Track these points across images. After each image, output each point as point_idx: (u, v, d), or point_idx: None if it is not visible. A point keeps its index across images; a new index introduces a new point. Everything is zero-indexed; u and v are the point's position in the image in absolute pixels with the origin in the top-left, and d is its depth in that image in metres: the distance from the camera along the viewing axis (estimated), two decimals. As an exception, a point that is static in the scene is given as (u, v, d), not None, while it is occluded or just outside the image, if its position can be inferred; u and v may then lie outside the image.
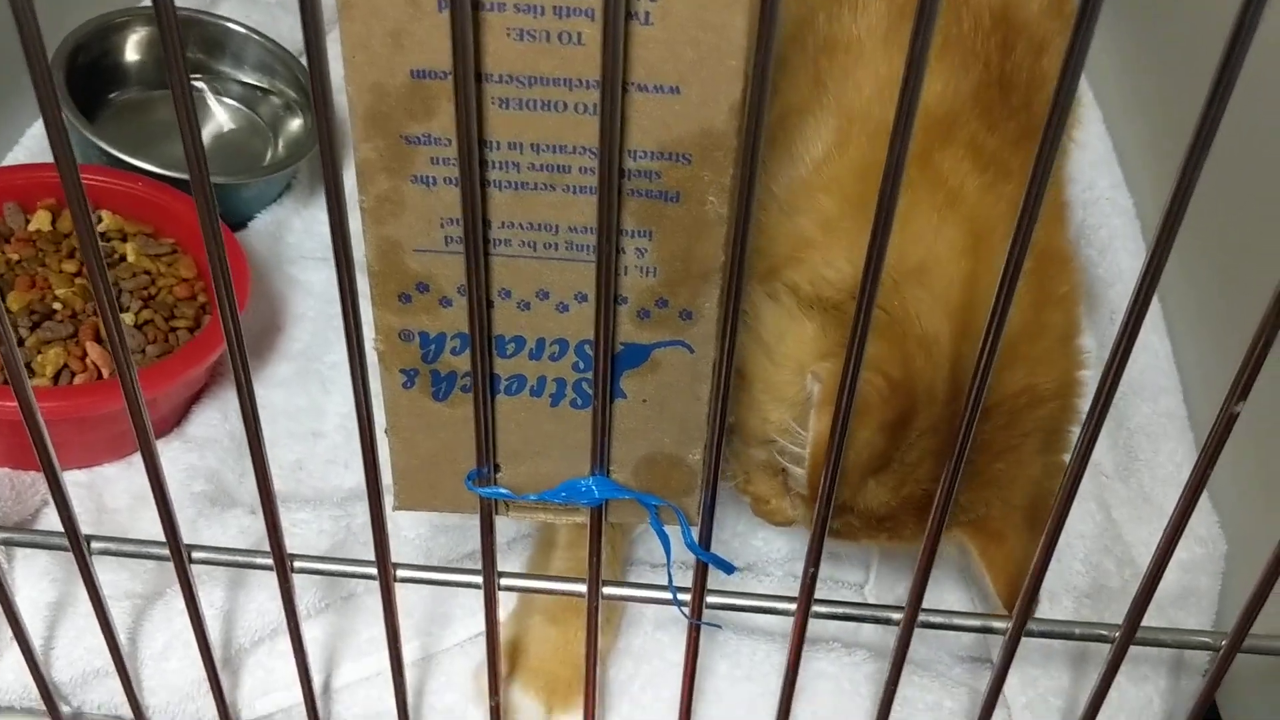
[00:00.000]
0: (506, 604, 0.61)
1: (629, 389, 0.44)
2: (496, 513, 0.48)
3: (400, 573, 0.50)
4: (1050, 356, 0.53)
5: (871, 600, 0.63)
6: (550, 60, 0.37)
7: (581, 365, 0.44)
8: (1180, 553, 0.65)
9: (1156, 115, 0.82)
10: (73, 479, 0.65)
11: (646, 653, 0.60)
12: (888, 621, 0.49)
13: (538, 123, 0.38)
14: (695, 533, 0.47)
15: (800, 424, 0.51)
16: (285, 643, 0.55)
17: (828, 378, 0.49)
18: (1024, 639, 0.48)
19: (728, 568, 0.48)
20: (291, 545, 0.50)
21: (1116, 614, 0.64)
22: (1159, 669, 0.62)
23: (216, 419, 0.69)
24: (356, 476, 0.67)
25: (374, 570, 0.49)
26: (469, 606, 0.61)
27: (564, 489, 0.46)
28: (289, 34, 0.88)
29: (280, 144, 0.84)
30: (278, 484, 0.67)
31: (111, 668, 0.56)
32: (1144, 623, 0.48)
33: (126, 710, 0.57)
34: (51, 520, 0.63)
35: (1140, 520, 0.69)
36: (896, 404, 0.49)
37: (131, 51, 0.83)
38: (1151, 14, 0.83)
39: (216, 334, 0.66)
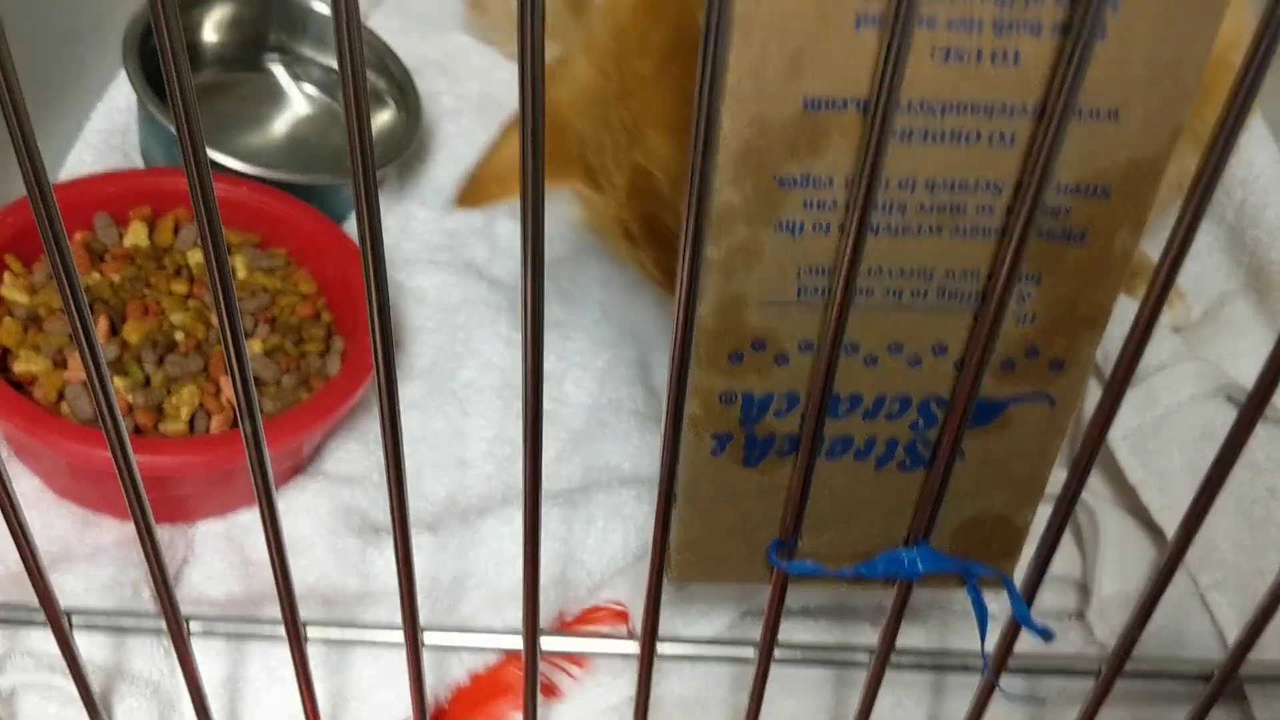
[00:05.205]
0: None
1: (970, 448, 0.39)
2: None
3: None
4: None
5: (1097, 630, 0.59)
6: (973, 83, 0.30)
7: (921, 424, 0.38)
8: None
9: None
10: (208, 529, 0.58)
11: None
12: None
13: (940, 156, 0.32)
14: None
15: None
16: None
17: None
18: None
19: (1048, 635, 0.43)
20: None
21: None
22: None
23: (357, 451, 0.62)
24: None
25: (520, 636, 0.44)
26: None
27: (882, 562, 0.40)
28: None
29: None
30: (430, 521, 0.61)
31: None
32: None
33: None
34: (194, 580, 0.56)
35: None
36: None
37: (210, 31, 0.74)
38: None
39: (363, 363, 0.59)
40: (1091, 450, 0.35)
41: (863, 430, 0.38)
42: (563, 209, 0.58)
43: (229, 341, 0.34)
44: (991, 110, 0.31)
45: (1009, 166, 0.32)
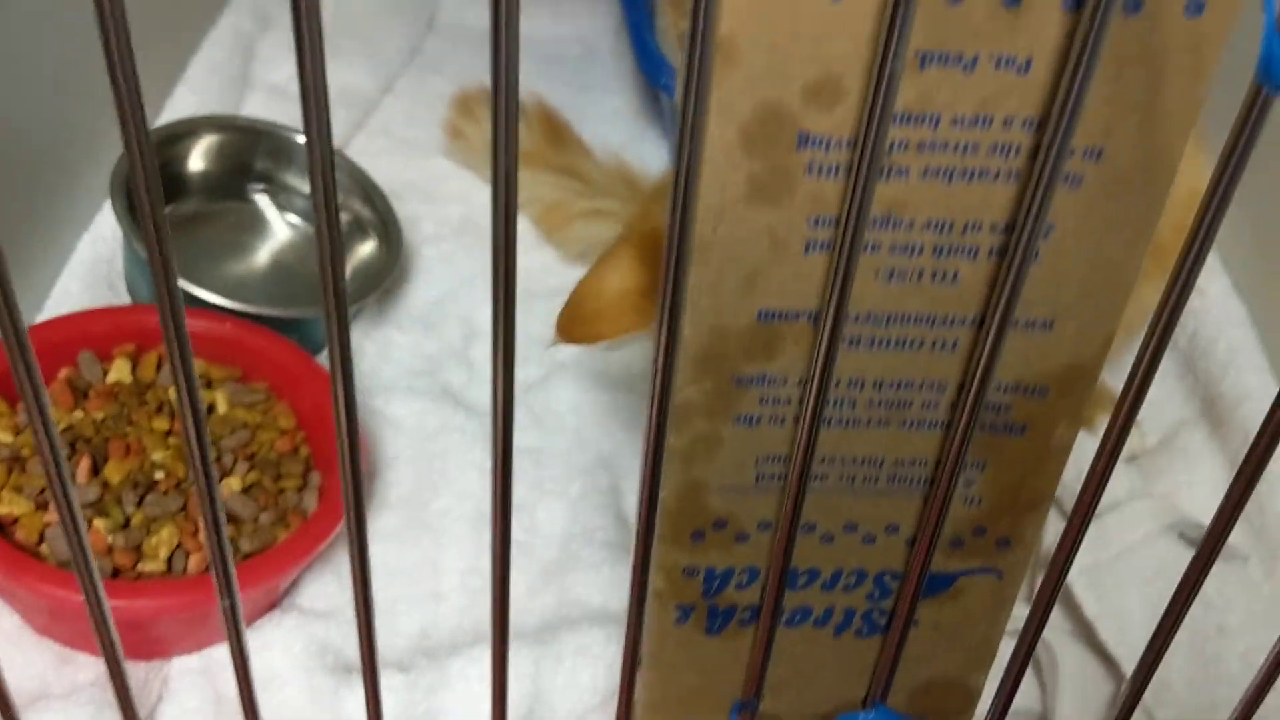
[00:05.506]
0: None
1: (923, 616, 0.40)
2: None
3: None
4: None
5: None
6: (917, 299, 0.33)
7: (877, 595, 0.40)
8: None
9: (1264, 212, 0.80)
10: (183, 665, 0.59)
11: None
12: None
13: (886, 360, 0.34)
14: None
15: None
16: None
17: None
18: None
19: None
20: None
21: None
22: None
23: (333, 584, 0.63)
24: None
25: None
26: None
27: (842, 723, 0.42)
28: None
29: (347, 270, 0.78)
30: (402, 659, 0.62)
31: None
32: None
33: None
34: (169, 717, 0.57)
35: None
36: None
37: (197, 160, 0.76)
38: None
39: (339, 499, 0.60)
40: (1048, 601, 0.37)
41: (821, 600, 0.40)
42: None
43: (205, 501, 0.36)
44: (933, 321, 0.33)
45: (951, 369, 0.34)
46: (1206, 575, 0.37)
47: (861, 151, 0.27)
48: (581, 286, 0.51)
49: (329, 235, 0.30)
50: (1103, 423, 0.77)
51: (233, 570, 0.38)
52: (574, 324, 0.52)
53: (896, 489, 0.37)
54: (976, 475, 0.37)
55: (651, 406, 0.33)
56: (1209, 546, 0.36)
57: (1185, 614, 0.39)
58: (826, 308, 0.30)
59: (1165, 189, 0.31)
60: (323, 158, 0.28)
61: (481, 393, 0.76)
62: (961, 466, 0.36)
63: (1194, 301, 0.80)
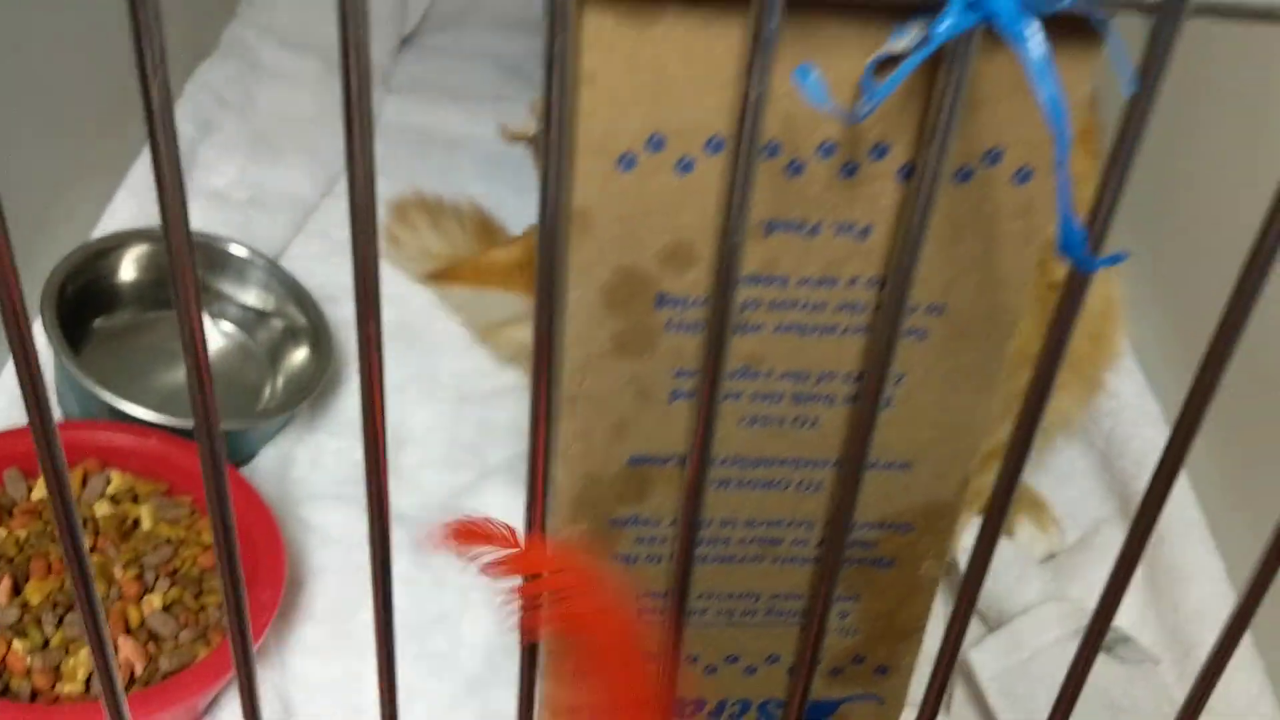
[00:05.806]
0: None
1: (810, 741, 0.41)
2: None
3: None
4: None
5: None
6: (780, 443, 0.34)
7: (763, 722, 0.41)
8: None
9: (1176, 313, 0.83)
10: (99, 788, 0.58)
11: None
12: None
13: (755, 500, 0.35)
14: None
15: None
16: None
17: None
18: None
19: None
20: None
21: None
22: None
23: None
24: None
25: None
26: None
27: (734, 847, 0.42)
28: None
29: (280, 378, 0.79)
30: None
31: None
32: None
33: None
34: (82, 844, 0.56)
35: None
36: None
37: (128, 268, 0.77)
38: (1166, 211, 0.85)
39: (261, 613, 0.60)
40: (940, 686, 0.37)
41: (708, 729, 0.41)
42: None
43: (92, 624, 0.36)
44: (798, 464, 0.35)
45: (818, 507, 0.36)
46: (1096, 654, 0.38)
47: (713, 312, 0.29)
48: (472, 256, 0.57)
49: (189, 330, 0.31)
50: (1023, 524, 0.78)
51: (123, 705, 0.38)
52: (452, 271, 0.58)
53: (775, 621, 0.38)
54: (851, 606, 0.38)
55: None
56: (1097, 625, 0.37)
57: (1072, 709, 0.39)
58: (692, 450, 0.31)
59: (1007, 340, 0.33)
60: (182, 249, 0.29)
61: (410, 499, 0.76)
62: (834, 599, 0.37)
63: (1109, 402, 0.82)
